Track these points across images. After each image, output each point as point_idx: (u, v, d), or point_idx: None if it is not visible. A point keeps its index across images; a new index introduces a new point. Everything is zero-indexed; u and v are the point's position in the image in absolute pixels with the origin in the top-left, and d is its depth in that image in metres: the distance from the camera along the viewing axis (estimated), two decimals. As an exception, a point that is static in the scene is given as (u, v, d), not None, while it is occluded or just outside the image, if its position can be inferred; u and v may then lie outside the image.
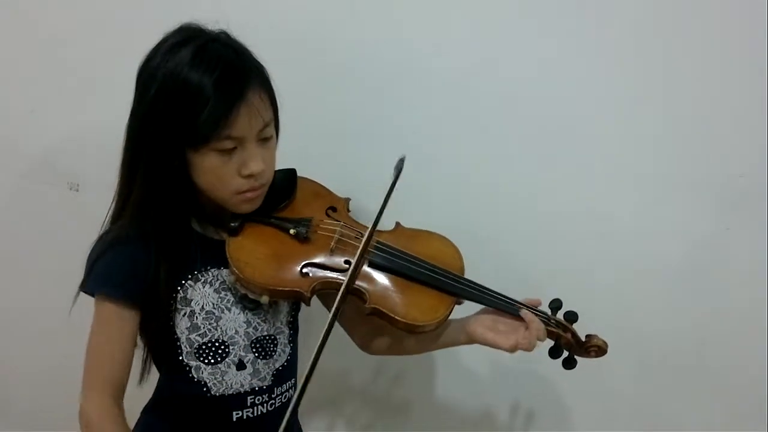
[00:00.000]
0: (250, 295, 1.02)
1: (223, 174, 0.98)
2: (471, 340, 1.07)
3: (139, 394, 1.08)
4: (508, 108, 1.30)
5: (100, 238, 1.03)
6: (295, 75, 1.03)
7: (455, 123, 1.32)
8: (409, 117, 1.07)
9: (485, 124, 1.32)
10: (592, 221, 1.32)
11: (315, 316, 1.16)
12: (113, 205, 1.04)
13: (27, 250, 1.52)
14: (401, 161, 1.07)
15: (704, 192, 1.27)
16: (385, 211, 1.03)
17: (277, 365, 1.10)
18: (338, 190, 1.16)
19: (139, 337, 1.03)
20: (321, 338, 0.95)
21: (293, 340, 1.14)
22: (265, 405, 1.08)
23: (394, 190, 1.04)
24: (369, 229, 1.02)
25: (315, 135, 1.33)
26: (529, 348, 1.01)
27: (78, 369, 0.99)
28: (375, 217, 1.03)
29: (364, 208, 1.17)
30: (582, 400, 1.38)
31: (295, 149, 1.10)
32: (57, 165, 1.47)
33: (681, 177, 1.28)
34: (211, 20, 1.00)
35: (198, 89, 0.92)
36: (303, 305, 1.11)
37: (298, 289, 1.00)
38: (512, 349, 1.02)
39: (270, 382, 1.08)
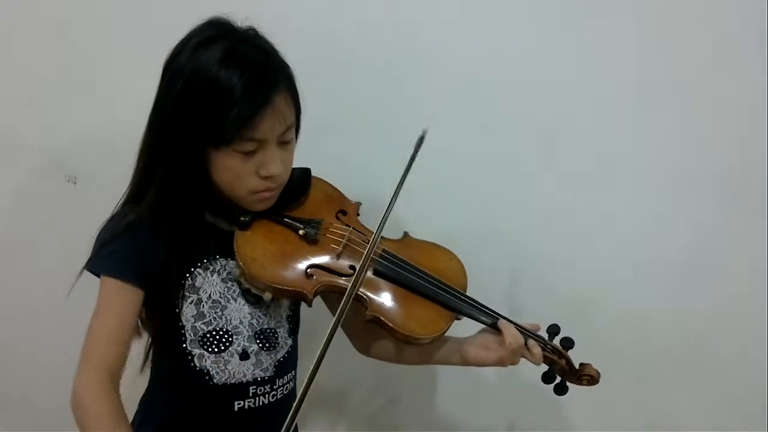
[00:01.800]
0: (253, 290, 1.04)
1: (242, 173, 0.99)
2: (464, 361, 1.09)
3: (140, 381, 1.09)
4: (510, 106, 1.31)
5: (111, 219, 1.04)
6: (304, 75, 1.03)
7: (458, 122, 1.33)
8: (418, 117, 1.08)
9: (486, 123, 1.33)
10: (591, 217, 1.33)
11: (317, 318, 1.18)
12: (127, 190, 1.05)
13: (25, 242, 1.53)
14: (422, 137, 1.05)
15: (703, 186, 1.28)
16: (392, 216, 1.03)
17: (279, 356, 1.12)
18: (348, 193, 1.17)
19: (141, 326, 1.05)
20: (323, 343, 0.95)
21: (293, 333, 1.16)
22: (267, 396, 1.10)
23: (411, 169, 1.03)
24: (375, 234, 1.03)
25: (328, 136, 1.33)
26: (512, 362, 1.06)
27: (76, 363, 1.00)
28: (382, 217, 1.03)
29: (373, 213, 1.17)
30: (580, 398, 1.38)
31: (308, 149, 1.10)
32: (55, 157, 1.48)
33: (680, 172, 1.28)
34: (236, 14, 1.00)
35: (226, 91, 0.93)
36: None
37: (301, 290, 1.02)
38: (497, 362, 1.06)
39: (272, 373, 1.10)
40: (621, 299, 1.34)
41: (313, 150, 1.11)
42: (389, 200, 1.03)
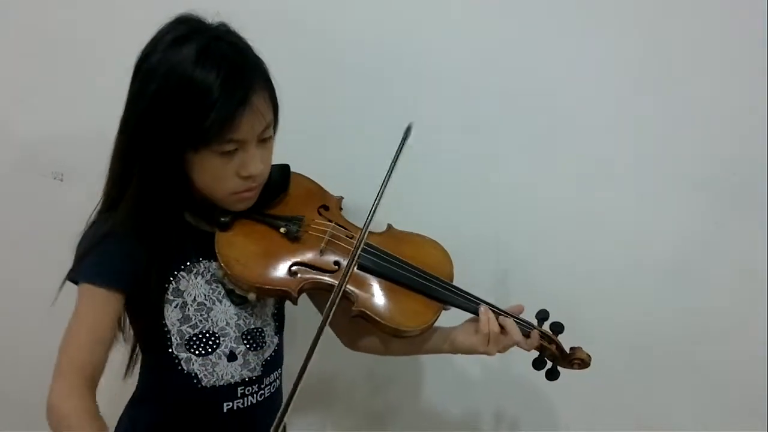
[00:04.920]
0: (238, 291, 1.03)
1: (222, 175, 0.98)
2: (453, 348, 1.09)
3: (124, 388, 1.08)
4: (502, 106, 1.30)
5: (90, 228, 1.03)
6: (288, 70, 1.01)
7: (450, 121, 1.32)
8: (404, 114, 1.07)
9: (480, 122, 1.32)
10: (583, 218, 1.33)
11: (301, 315, 1.17)
12: (103, 195, 1.03)
13: (10, 239, 1.52)
14: (407, 130, 1.02)
15: (694, 187, 1.28)
16: (378, 209, 1.02)
17: (266, 356, 1.11)
18: (330, 187, 1.16)
19: (124, 331, 1.04)
20: (311, 344, 0.94)
21: (279, 331, 1.15)
22: (255, 395, 1.10)
23: (397, 163, 1.00)
24: (361, 232, 1.01)
25: (307, 131, 1.32)
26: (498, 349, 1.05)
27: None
28: (368, 215, 1.00)
29: (357, 207, 1.16)
30: (573, 400, 1.40)
31: (288, 145, 1.08)
32: (41, 154, 1.47)
33: (671, 173, 1.28)
34: (207, 10, 0.98)
35: (203, 92, 0.91)
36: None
37: (285, 289, 1.01)
38: (480, 347, 1.05)
39: (260, 373, 1.10)
40: (613, 299, 1.34)
41: (301, 148, 1.10)
42: (375, 198, 1.01)
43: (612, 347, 1.32)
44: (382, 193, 0.97)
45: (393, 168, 0.99)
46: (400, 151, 1.01)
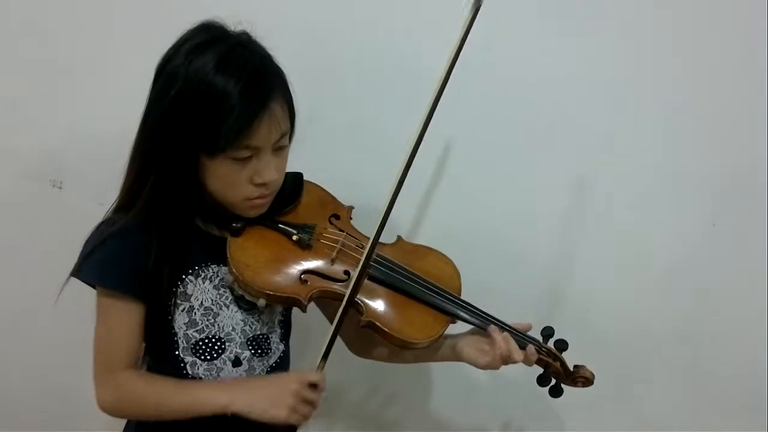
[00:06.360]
0: (247, 297, 1.03)
1: (236, 181, 0.98)
2: (458, 359, 1.10)
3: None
4: (503, 107, 1.32)
5: (100, 226, 1.03)
6: (296, 78, 1.02)
7: (453, 124, 1.31)
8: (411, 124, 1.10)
9: (482, 125, 1.33)
10: (584, 219, 1.34)
11: (312, 325, 1.18)
12: (120, 193, 1.03)
13: (9, 247, 1.52)
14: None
15: (692, 188, 1.29)
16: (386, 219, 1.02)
17: (271, 362, 1.11)
18: (341, 196, 1.16)
19: None
20: (323, 351, 0.96)
21: (285, 338, 1.15)
22: None
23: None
24: (372, 239, 1.02)
25: (319, 140, 1.33)
26: (502, 363, 1.06)
27: (63, 367, 0.99)
28: (378, 224, 1.02)
29: (366, 217, 1.17)
30: (570, 398, 1.39)
31: (300, 153, 1.09)
32: (40, 162, 1.46)
33: (669, 174, 1.29)
34: (226, 18, 0.99)
35: (223, 97, 0.91)
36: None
37: (295, 296, 1.01)
38: (487, 366, 1.06)
39: None
40: (613, 300, 1.35)
41: (306, 153, 1.10)
42: (383, 203, 1.02)
43: (612, 347, 1.34)
44: (396, 194, 0.98)
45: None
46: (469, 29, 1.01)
